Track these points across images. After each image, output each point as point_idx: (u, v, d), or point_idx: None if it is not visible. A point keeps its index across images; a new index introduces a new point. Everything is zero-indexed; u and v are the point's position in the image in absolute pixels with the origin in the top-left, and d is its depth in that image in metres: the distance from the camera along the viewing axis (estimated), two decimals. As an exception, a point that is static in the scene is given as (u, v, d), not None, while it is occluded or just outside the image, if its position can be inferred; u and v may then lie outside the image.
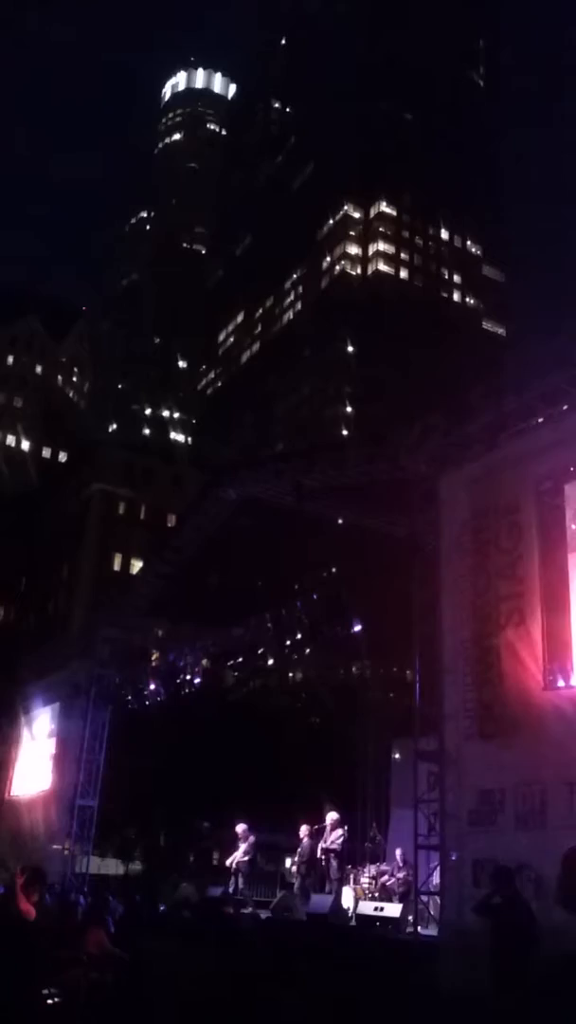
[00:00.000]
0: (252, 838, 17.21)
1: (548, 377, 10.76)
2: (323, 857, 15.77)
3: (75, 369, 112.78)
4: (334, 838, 15.67)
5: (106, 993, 10.24)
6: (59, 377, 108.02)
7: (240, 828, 17.43)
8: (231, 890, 16.69)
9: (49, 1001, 8.92)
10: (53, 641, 39.20)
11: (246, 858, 16.99)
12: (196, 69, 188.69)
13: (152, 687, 20.65)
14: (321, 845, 15.83)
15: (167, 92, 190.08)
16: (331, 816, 16.10)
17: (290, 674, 23.38)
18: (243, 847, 17.07)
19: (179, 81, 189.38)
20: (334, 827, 15.82)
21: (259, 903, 16.58)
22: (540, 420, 11.19)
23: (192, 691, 20.22)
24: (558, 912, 8.68)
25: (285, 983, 10.15)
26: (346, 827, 16.09)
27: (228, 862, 17.43)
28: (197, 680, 19.93)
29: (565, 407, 10.81)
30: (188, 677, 19.96)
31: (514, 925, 7.81)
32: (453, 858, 10.77)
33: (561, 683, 10.07)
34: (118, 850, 31.84)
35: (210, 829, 25.16)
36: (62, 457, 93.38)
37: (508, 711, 10.38)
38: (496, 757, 10.39)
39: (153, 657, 21.05)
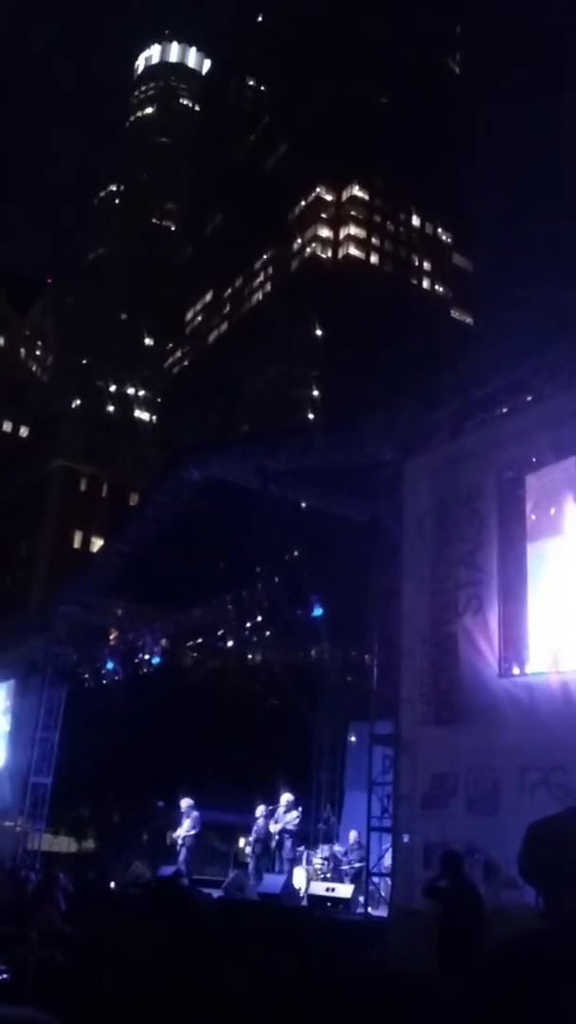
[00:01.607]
0: (196, 813, 17.32)
1: (512, 368, 10.85)
2: (277, 837, 15.92)
3: (39, 342, 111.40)
4: (289, 818, 15.82)
5: (56, 970, 10.24)
6: (22, 350, 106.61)
7: (185, 803, 17.54)
8: (181, 867, 16.77)
9: (-2, 978, 8.90)
10: (10, 618, 38.82)
11: (192, 832, 17.10)
12: (171, 43, 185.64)
13: (110, 666, 20.57)
14: (274, 825, 15.97)
15: (140, 65, 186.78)
16: (286, 797, 16.24)
17: (249, 656, 23.42)
18: (188, 822, 17.20)
19: (153, 54, 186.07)
20: (289, 808, 15.96)
21: (212, 882, 16.67)
22: (504, 410, 11.30)
23: (150, 671, 20.19)
24: (505, 895, 8.89)
25: (235, 961, 10.23)
26: (300, 808, 16.24)
27: (175, 835, 17.52)
28: (156, 660, 19.90)
29: (528, 398, 10.91)
30: (147, 657, 19.92)
31: (461, 908, 7.95)
32: (405, 840, 10.92)
33: (516, 671, 10.22)
34: (71, 828, 31.80)
35: (164, 808, 25.19)
36: (23, 432, 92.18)
37: (463, 697, 10.49)
38: (450, 742, 10.51)
39: (112, 636, 20.97)
